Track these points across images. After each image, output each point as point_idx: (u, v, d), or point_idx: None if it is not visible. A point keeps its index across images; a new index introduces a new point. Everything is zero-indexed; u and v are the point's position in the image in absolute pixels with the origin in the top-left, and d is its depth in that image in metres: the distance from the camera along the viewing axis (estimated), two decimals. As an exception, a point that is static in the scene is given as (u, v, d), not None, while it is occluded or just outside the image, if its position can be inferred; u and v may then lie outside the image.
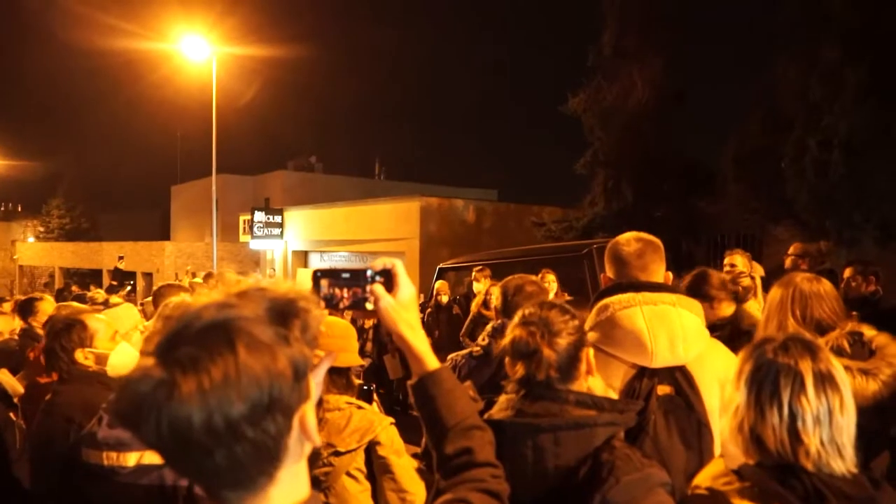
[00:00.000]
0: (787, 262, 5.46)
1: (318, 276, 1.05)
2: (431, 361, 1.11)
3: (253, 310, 0.71)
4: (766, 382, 1.24)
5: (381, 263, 1.07)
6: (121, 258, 12.54)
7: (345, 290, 1.04)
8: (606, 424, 1.33)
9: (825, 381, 1.23)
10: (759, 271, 4.49)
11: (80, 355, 2.25)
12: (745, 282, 4.40)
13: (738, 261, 5.02)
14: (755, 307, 4.31)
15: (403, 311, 1.07)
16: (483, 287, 6.78)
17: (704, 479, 1.31)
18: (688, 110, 14.95)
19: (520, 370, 1.41)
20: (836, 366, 1.27)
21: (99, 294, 5.03)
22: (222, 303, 0.71)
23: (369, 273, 1.05)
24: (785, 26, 9.71)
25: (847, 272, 4.60)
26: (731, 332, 3.05)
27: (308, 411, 0.75)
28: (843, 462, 1.22)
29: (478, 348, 2.43)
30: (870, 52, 8.26)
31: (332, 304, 1.04)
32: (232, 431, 0.66)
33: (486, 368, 2.48)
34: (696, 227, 13.44)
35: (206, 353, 0.67)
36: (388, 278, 1.06)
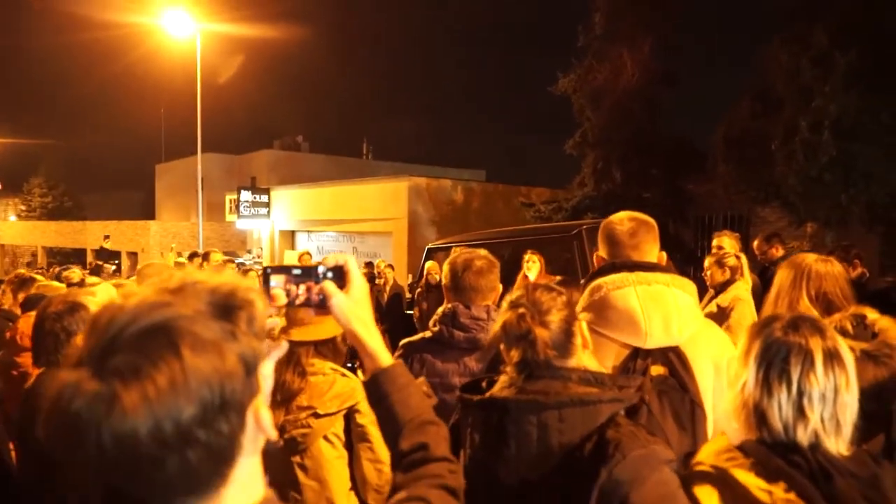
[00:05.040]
0: (759, 253, 5.54)
1: (268, 272, 1.03)
2: (385, 358, 1.10)
3: (193, 306, 0.67)
4: (776, 360, 1.24)
5: (332, 260, 1.05)
6: (106, 237, 12.28)
7: (298, 287, 1.02)
8: (611, 401, 1.32)
9: (833, 358, 1.24)
10: (744, 260, 4.51)
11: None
12: (731, 261, 4.42)
13: (725, 242, 5.06)
14: (742, 287, 4.33)
15: (356, 308, 1.05)
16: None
17: (708, 455, 1.30)
18: (678, 92, 14.90)
19: (516, 354, 1.38)
20: (843, 345, 1.27)
21: (74, 274, 4.87)
22: (158, 302, 0.66)
23: (321, 269, 1.03)
24: (776, 10, 9.69)
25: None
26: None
27: (260, 405, 0.73)
28: (839, 440, 1.22)
29: (429, 334, 2.32)
30: (859, 39, 8.30)
31: (286, 301, 1.02)
32: (184, 437, 0.63)
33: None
34: (685, 208, 13.50)
35: (148, 359, 0.62)
36: (340, 275, 1.05)
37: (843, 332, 2.08)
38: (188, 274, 0.72)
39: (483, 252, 2.37)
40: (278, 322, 1.00)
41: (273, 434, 0.74)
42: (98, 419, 0.60)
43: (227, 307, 0.70)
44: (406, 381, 1.10)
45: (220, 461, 0.68)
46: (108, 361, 0.62)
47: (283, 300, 1.00)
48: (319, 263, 1.05)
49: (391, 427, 1.08)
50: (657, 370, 1.76)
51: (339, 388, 1.98)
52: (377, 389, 1.08)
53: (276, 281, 1.01)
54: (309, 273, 1.03)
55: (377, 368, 1.09)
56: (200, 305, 0.68)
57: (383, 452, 1.93)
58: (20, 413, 2.16)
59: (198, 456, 0.64)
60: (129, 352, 0.62)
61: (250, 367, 0.69)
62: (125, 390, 0.61)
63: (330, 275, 1.03)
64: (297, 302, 1.02)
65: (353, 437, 1.99)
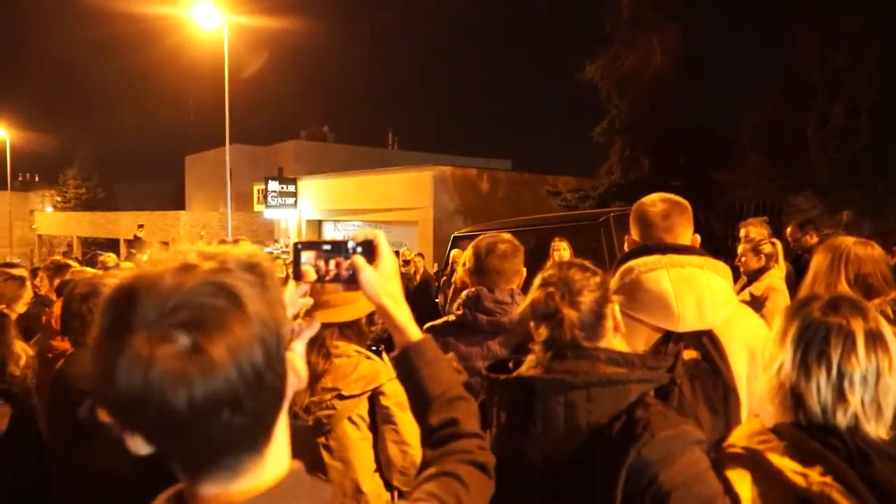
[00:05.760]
0: (792, 240, 5.40)
1: (298, 248, 1.03)
2: (414, 332, 1.10)
3: (225, 266, 0.68)
4: (815, 341, 1.20)
5: (362, 235, 1.06)
6: (140, 226, 12.50)
7: (327, 263, 1.03)
8: (640, 382, 1.30)
9: (876, 340, 1.19)
10: (778, 245, 4.40)
11: None
12: (767, 248, 4.31)
13: (752, 231, 4.93)
14: (777, 276, 4.23)
15: (385, 282, 1.05)
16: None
17: (740, 437, 1.27)
18: (706, 79, 14.66)
19: (543, 332, 1.37)
20: (885, 325, 1.23)
21: (110, 258, 5.00)
22: (190, 264, 0.66)
23: (350, 244, 1.04)
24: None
25: None
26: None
27: (292, 353, 0.78)
28: (880, 425, 1.18)
29: (453, 317, 2.29)
30: (891, 23, 8.05)
31: (316, 276, 1.03)
32: (259, 380, 0.65)
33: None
34: (714, 196, 13.26)
35: (216, 311, 0.62)
36: (369, 250, 1.05)
37: (885, 317, 2.02)
38: (208, 248, 0.72)
39: (507, 236, 2.36)
40: (310, 302, 1.00)
41: (305, 376, 0.79)
42: (188, 377, 0.60)
43: (251, 266, 0.70)
44: (435, 355, 1.09)
45: (277, 408, 0.70)
46: (172, 318, 0.61)
47: (313, 276, 1.01)
48: (349, 238, 1.04)
49: (420, 402, 1.07)
50: (690, 354, 1.72)
51: (363, 370, 1.98)
52: (407, 363, 1.08)
53: (307, 257, 1.02)
54: (339, 248, 1.03)
55: (406, 342, 1.09)
56: (231, 265, 0.68)
57: (408, 434, 1.94)
58: (48, 391, 2.21)
59: (266, 399, 0.66)
60: (193, 308, 0.62)
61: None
62: (209, 343, 0.61)
63: (359, 250, 1.04)
64: (328, 277, 1.03)
65: (378, 419, 2.00)
